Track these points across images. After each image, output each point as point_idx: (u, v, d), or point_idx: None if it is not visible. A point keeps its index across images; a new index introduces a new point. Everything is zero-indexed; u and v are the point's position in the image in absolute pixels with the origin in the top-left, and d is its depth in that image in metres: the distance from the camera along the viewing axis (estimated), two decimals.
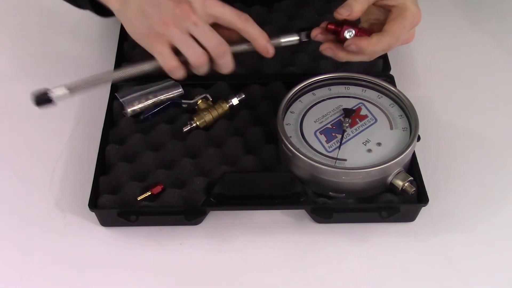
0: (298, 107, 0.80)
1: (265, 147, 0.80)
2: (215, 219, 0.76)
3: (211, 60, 0.70)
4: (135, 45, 0.92)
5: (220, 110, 0.83)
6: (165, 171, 0.78)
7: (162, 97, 0.85)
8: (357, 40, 0.71)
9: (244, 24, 0.69)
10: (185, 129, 0.82)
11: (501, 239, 0.75)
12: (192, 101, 0.85)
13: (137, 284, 0.71)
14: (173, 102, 0.85)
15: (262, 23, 0.71)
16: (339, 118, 0.79)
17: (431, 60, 0.98)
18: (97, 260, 0.73)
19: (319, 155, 0.75)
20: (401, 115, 0.79)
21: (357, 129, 0.78)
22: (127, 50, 0.93)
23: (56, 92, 0.69)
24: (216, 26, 0.69)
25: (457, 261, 0.73)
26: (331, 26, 0.72)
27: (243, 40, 0.71)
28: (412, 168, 0.78)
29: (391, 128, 0.78)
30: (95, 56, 0.97)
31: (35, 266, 0.73)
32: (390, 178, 0.74)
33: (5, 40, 1.01)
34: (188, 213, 0.75)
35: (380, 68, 0.91)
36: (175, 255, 0.74)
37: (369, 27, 0.75)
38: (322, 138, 0.77)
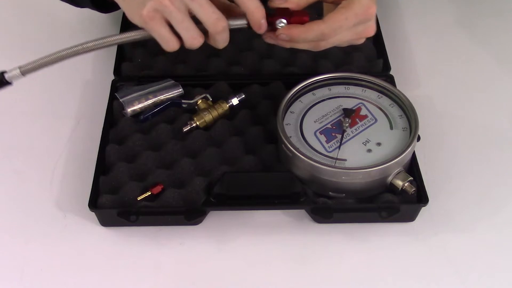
0: (298, 107, 0.80)
1: (265, 147, 0.80)
2: (215, 219, 0.76)
3: (206, 34, 0.68)
4: (135, 45, 0.93)
5: (220, 110, 0.83)
6: (165, 171, 0.78)
7: (162, 97, 0.85)
8: (287, 29, 0.69)
9: None
10: (185, 129, 0.82)
11: (501, 239, 0.75)
12: (192, 101, 0.85)
13: (137, 284, 0.71)
14: (173, 102, 0.85)
15: None
16: (339, 118, 0.79)
17: (431, 60, 0.98)
18: (97, 260, 0.73)
19: (319, 155, 0.75)
20: (401, 115, 0.79)
21: (357, 129, 0.78)
22: (127, 49, 0.93)
23: (9, 73, 0.70)
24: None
25: (457, 261, 0.73)
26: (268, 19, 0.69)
27: (238, 15, 0.68)
28: (412, 168, 0.78)
29: (391, 128, 0.78)
30: (95, 55, 0.97)
31: (35, 266, 0.73)
32: (390, 178, 0.74)
33: (4, 40, 1.01)
34: (188, 213, 0.75)
35: (380, 68, 0.91)
36: (175, 255, 0.74)
37: None
38: (322, 138, 0.77)
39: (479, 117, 0.89)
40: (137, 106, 0.84)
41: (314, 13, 0.99)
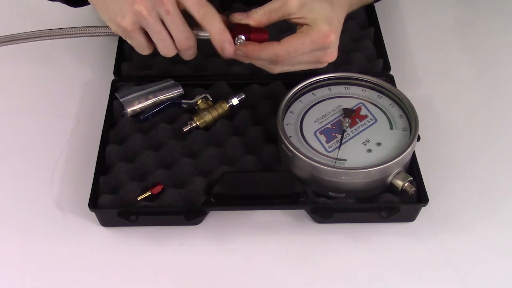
0: (298, 107, 0.80)
1: (265, 147, 0.80)
2: (215, 219, 0.76)
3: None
4: None
5: (220, 110, 0.83)
6: (165, 171, 0.78)
7: (162, 97, 0.85)
8: (244, 46, 0.70)
9: (201, 19, 0.69)
10: (185, 129, 0.82)
11: (501, 239, 0.75)
12: (192, 101, 0.85)
13: (137, 284, 0.71)
14: (173, 102, 0.85)
15: None
16: (339, 118, 0.79)
17: (431, 60, 0.98)
18: (97, 260, 0.73)
19: (319, 155, 0.75)
20: (401, 115, 0.79)
21: (357, 129, 0.78)
22: (127, 49, 0.93)
23: None
24: None
25: (457, 261, 0.73)
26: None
27: None
28: (412, 168, 0.78)
29: (391, 128, 0.78)
30: (95, 55, 0.97)
31: (35, 266, 0.73)
32: (390, 178, 0.74)
33: None
34: (188, 213, 0.75)
35: (380, 68, 0.91)
36: (175, 255, 0.74)
37: None
38: (322, 138, 0.77)
39: (479, 117, 0.89)
40: (137, 106, 0.84)
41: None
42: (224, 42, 0.70)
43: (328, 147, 0.76)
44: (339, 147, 0.75)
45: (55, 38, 0.76)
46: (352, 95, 0.82)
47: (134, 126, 0.83)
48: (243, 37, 0.70)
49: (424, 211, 0.76)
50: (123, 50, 0.93)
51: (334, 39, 0.71)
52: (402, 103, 0.79)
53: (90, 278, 0.72)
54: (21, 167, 0.83)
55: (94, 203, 0.74)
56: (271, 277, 0.72)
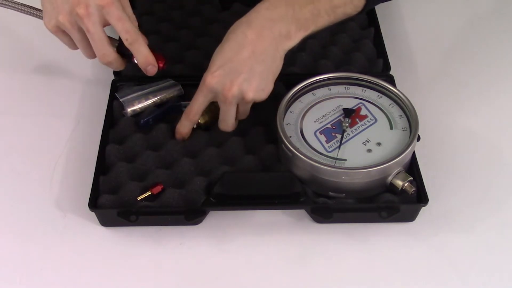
0: (298, 107, 0.80)
1: (265, 147, 0.80)
2: (215, 219, 0.76)
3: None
4: None
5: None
6: (165, 171, 0.78)
7: (162, 97, 0.85)
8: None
9: (129, 46, 0.75)
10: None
11: (501, 239, 0.75)
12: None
13: (137, 284, 0.71)
14: (173, 106, 0.84)
15: None
16: (339, 118, 0.79)
17: (431, 60, 0.98)
18: (97, 260, 0.73)
19: (319, 155, 0.75)
20: (401, 115, 0.79)
21: (357, 129, 0.78)
22: None
23: None
24: None
25: (457, 261, 0.73)
26: None
27: None
28: (412, 168, 0.78)
29: (391, 128, 0.78)
30: None
31: (35, 266, 0.73)
32: (390, 178, 0.74)
33: (4, 38, 1.01)
34: (188, 213, 0.75)
35: (380, 68, 0.91)
36: (175, 255, 0.74)
37: None
38: (322, 138, 0.77)
39: (479, 117, 0.89)
40: (137, 106, 0.84)
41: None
42: (148, 66, 0.77)
43: (328, 147, 0.76)
44: (339, 147, 0.75)
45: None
46: (352, 95, 0.82)
47: (134, 126, 0.83)
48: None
49: (424, 211, 0.76)
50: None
51: (212, 83, 0.75)
52: (402, 103, 0.79)
53: (90, 278, 0.72)
54: (21, 167, 0.83)
55: (94, 203, 0.74)
56: (271, 277, 0.72)
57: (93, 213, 0.75)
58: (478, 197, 0.79)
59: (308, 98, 0.81)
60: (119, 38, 0.76)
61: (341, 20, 0.80)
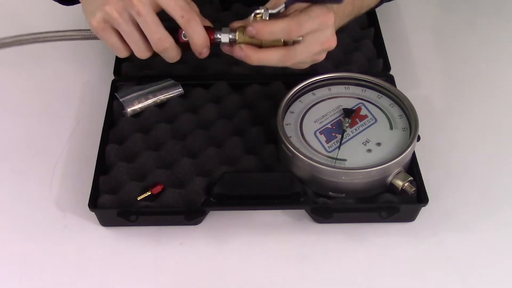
0: (298, 107, 0.80)
1: (265, 147, 0.80)
2: (215, 219, 0.76)
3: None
4: None
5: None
6: (165, 171, 0.78)
7: (162, 96, 0.85)
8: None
9: (185, 24, 0.69)
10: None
11: (501, 239, 0.75)
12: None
13: (137, 284, 0.72)
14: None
15: None
16: (339, 118, 0.79)
17: (431, 60, 0.98)
18: (97, 260, 0.73)
19: (319, 155, 0.75)
20: (401, 115, 0.79)
21: (357, 129, 0.78)
22: None
23: None
24: None
25: (457, 261, 0.73)
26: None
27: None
28: (412, 168, 0.78)
29: (391, 128, 0.78)
30: (95, 56, 0.97)
31: (35, 266, 0.73)
32: (390, 178, 0.74)
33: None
34: (188, 213, 0.75)
35: (380, 68, 0.91)
36: (175, 255, 0.74)
37: None
38: (322, 138, 0.77)
39: (479, 117, 0.89)
40: (137, 106, 0.84)
41: None
42: (204, 48, 0.71)
43: (328, 147, 0.76)
44: (339, 147, 0.75)
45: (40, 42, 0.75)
46: (352, 95, 0.82)
47: (134, 126, 0.83)
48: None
49: (424, 211, 0.76)
50: None
51: (333, 21, 0.71)
52: (402, 103, 0.79)
53: (90, 278, 0.72)
54: (21, 167, 0.83)
55: (94, 203, 0.74)
56: (271, 277, 0.72)
57: (93, 213, 0.75)
58: (478, 197, 0.79)
59: (308, 98, 0.81)
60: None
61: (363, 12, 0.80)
